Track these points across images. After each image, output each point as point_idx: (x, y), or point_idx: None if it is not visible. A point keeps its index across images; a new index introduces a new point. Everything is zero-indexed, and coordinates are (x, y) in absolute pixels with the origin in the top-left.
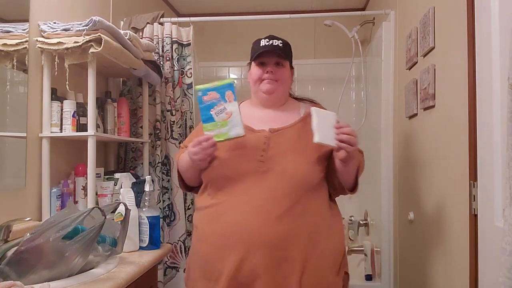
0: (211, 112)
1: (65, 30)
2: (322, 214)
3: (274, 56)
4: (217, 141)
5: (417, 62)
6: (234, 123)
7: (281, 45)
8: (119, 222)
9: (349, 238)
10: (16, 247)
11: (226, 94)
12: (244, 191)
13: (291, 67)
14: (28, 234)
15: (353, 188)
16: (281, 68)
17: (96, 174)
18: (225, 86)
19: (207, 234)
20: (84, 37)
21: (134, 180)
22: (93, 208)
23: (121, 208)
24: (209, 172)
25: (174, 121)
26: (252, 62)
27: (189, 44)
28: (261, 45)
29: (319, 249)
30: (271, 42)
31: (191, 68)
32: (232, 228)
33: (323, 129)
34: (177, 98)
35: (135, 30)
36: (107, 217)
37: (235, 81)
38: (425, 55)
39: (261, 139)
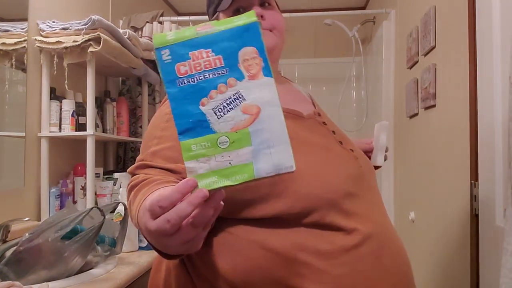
0: (201, 107)
1: (64, 29)
2: None
3: None
4: (214, 188)
5: (417, 61)
6: (271, 139)
7: None
8: (118, 222)
9: None
10: (15, 247)
11: (241, 55)
12: (369, 208)
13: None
14: (27, 234)
15: None
16: (271, 9)
17: (95, 174)
18: (241, 35)
19: None
20: (83, 36)
21: None
22: (92, 208)
23: (120, 208)
24: (311, 196)
25: None
26: (220, 14)
27: None
28: None
29: None
30: None
31: None
32: (403, 267)
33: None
34: None
35: (135, 29)
36: (106, 217)
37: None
38: (426, 54)
39: (323, 127)
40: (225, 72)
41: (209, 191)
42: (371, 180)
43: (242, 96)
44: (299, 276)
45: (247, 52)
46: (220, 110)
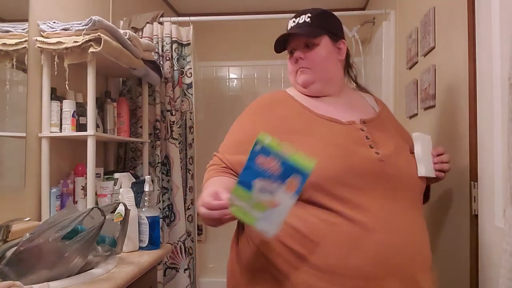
0: (254, 182)
1: (65, 29)
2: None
3: (301, 37)
4: (234, 214)
5: (417, 62)
6: (272, 218)
7: (308, 19)
8: (119, 222)
9: None
10: (15, 247)
11: (290, 178)
12: (375, 202)
13: (336, 40)
14: (27, 234)
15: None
16: (313, 49)
17: (96, 174)
18: (297, 169)
19: (342, 266)
20: (83, 36)
21: (134, 180)
22: (93, 208)
23: (121, 208)
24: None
25: (173, 121)
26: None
27: (189, 44)
28: (288, 28)
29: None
30: (297, 20)
31: (191, 68)
32: (382, 256)
33: (426, 159)
34: (177, 98)
35: (135, 29)
36: (106, 217)
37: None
38: (425, 55)
39: (358, 132)
40: (277, 178)
41: (232, 213)
42: (397, 183)
43: (275, 194)
44: (289, 236)
45: (295, 178)
46: (262, 190)
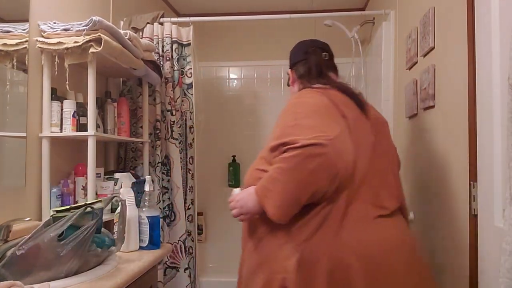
0: None
1: (65, 30)
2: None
3: None
4: None
5: (417, 62)
6: None
7: None
8: (119, 222)
9: None
10: (14, 248)
11: None
12: None
13: (293, 67)
14: (26, 237)
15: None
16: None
17: (96, 174)
18: None
19: None
20: (84, 37)
21: (134, 180)
22: (86, 206)
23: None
24: None
25: (174, 121)
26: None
27: (189, 44)
28: None
29: None
30: None
31: (191, 68)
32: None
33: None
34: (177, 98)
35: (135, 30)
36: (107, 216)
37: None
38: (425, 55)
39: None
40: None
41: None
42: None
43: None
44: None
45: None
46: None
